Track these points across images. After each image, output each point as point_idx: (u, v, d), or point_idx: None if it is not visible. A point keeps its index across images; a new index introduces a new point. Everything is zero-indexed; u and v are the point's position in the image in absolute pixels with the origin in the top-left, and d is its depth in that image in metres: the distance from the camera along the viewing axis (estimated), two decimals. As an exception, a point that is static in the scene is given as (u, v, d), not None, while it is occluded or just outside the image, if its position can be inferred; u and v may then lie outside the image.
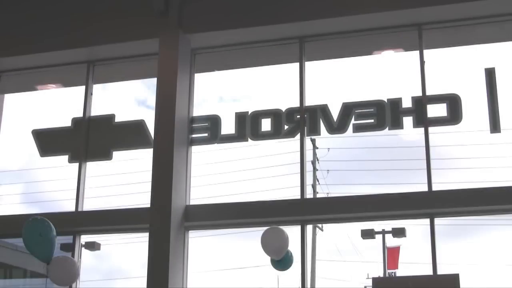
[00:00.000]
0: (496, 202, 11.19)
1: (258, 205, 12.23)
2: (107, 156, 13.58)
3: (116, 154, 13.59)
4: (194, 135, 13.11)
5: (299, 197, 12.26)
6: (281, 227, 11.04)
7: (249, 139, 12.85)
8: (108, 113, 13.89)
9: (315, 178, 16.41)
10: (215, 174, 13.05)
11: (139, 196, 12.93)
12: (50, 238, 10.13)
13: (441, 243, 11.44)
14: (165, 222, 11.92)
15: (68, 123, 14.00)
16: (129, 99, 14.62)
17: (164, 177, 12.21)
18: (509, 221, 11.82)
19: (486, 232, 12.27)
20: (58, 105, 14.52)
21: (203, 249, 13.10)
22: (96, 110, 14.02)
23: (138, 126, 13.53)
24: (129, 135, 13.57)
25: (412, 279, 8.56)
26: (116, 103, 14.28)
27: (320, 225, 15.62)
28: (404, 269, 13.94)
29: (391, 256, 16.26)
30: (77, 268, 10.88)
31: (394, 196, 11.66)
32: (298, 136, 12.61)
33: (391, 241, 15.58)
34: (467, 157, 12.04)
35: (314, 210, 12.17)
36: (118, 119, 13.79)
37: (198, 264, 12.81)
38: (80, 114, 13.88)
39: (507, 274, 11.60)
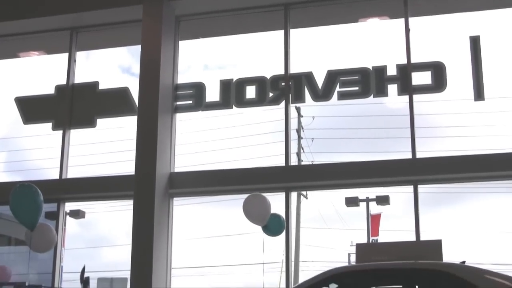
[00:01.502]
0: (479, 169, 11.26)
1: (242, 172, 12.24)
2: (91, 123, 13.52)
3: (100, 121, 13.53)
4: (178, 103, 13.06)
5: (283, 164, 12.23)
6: (263, 194, 11.01)
7: (233, 107, 12.81)
8: (92, 80, 13.79)
9: (299, 146, 16.41)
10: (199, 142, 13.04)
11: (123, 164, 12.90)
12: (38, 203, 10.09)
13: (424, 211, 11.51)
14: (149, 189, 11.93)
15: (51, 90, 13.92)
16: (113, 66, 14.53)
17: (149, 144, 12.19)
18: (491, 189, 11.90)
19: (468, 199, 12.35)
20: (41, 72, 14.40)
21: (189, 217, 13.11)
22: (80, 77, 13.94)
23: (122, 93, 13.45)
24: (113, 102, 13.51)
25: (396, 245, 8.57)
26: (100, 70, 14.19)
27: (304, 193, 15.64)
28: (387, 236, 14.03)
29: (374, 223, 16.34)
30: (54, 234, 10.83)
31: (378, 164, 11.70)
32: (283, 104, 12.56)
33: (375, 208, 15.64)
34: (451, 125, 12.07)
35: (298, 177, 12.18)
36: (102, 86, 13.72)
37: (184, 232, 12.82)
38: (64, 82, 13.81)
39: (489, 241, 11.71)
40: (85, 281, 10.74)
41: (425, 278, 7.83)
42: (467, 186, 11.98)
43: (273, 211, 10.99)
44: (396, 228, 13.22)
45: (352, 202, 14.11)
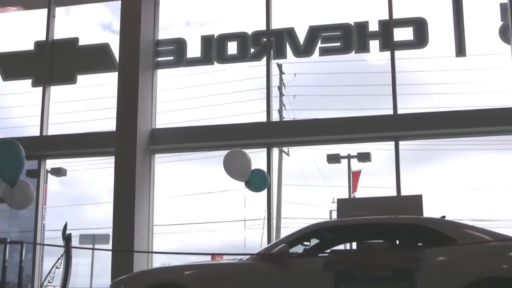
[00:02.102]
0: (459, 125, 11.30)
1: (224, 128, 12.19)
2: (71, 80, 13.38)
3: (80, 78, 13.38)
4: (159, 59, 12.94)
5: (265, 120, 12.18)
6: (245, 150, 10.97)
7: (215, 63, 12.69)
8: (72, 36, 13.59)
9: (281, 103, 16.38)
10: (181, 98, 12.94)
11: (104, 121, 12.80)
12: (20, 159, 10.00)
13: (405, 169, 11.53)
14: (131, 146, 11.87)
15: (30, 46, 13.72)
16: (93, 23, 14.35)
17: (130, 101, 12.10)
18: (471, 145, 11.94)
19: (449, 156, 12.39)
20: (20, 28, 14.18)
21: (171, 174, 13.08)
22: (60, 33, 13.73)
23: (102, 49, 13.30)
24: (93, 58, 13.36)
25: (376, 200, 8.58)
26: (80, 26, 13.98)
27: (286, 150, 15.65)
28: (369, 193, 14.08)
29: (355, 180, 16.43)
30: (32, 190, 10.76)
31: (360, 119, 11.68)
32: (264, 60, 12.45)
33: (356, 165, 15.69)
34: (432, 82, 12.07)
35: (280, 133, 12.14)
36: (82, 42, 13.53)
37: (166, 189, 12.80)
38: (43, 38, 13.60)
39: (469, 196, 11.79)
40: (67, 238, 10.73)
41: (405, 232, 7.86)
42: (448, 143, 12.03)
43: (255, 167, 10.97)
44: (377, 184, 13.28)
45: (333, 159, 14.14)
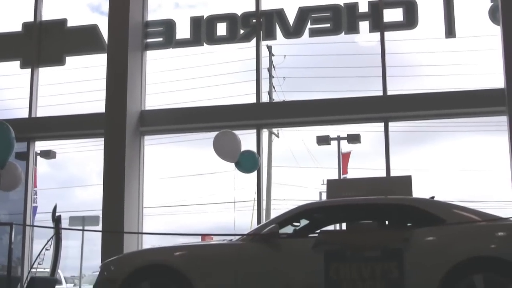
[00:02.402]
0: (449, 106, 11.29)
1: (214, 110, 12.15)
2: (60, 61, 13.28)
3: (69, 59, 13.28)
4: (148, 40, 12.87)
5: (255, 102, 12.15)
6: (234, 131, 10.95)
7: (204, 44, 12.62)
8: (60, 17, 13.48)
9: (271, 85, 16.35)
10: (170, 80, 12.89)
11: (94, 103, 12.75)
12: (10, 141, 9.94)
13: (395, 150, 11.55)
14: (120, 127, 11.83)
15: (18, 27, 13.60)
16: (82, 3, 14.25)
17: (119, 82, 12.05)
18: (461, 127, 11.96)
19: (438, 137, 12.43)
20: (7, 9, 14.05)
21: (161, 156, 13.06)
22: (48, 14, 13.61)
23: (91, 31, 13.21)
24: (82, 40, 13.25)
25: (366, 181, 8.60)
26: (68, 7, 13.86)
27: (276, 132, 15.65)
28: (358, 174, 14.11)
29: (345, 161, 16.46)
30: (20, 172, 10.72)
31: (349, 100, 11.66)
32: (254, 42, 12.39)
33: (346, 147, 15.72)
34: (422, 63, 12.06)
35: (269, 114, 12.11)
36: (70, 23, 13.42)
37: (156, 171, 12.78)
38: (31, 19, 13.48)
39: (458, 178, 11.85)
40: (56, 220, 10.72)
41: (394, 213, 7.89)
42: (437, 124, 12.05)
43: (245, 149, 10.95)
44: (367, 166, 13.31)
45: (323, 140, 14.13)
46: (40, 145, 13.64)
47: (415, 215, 7.69)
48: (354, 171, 16.00)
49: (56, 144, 13.88)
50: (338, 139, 16.07)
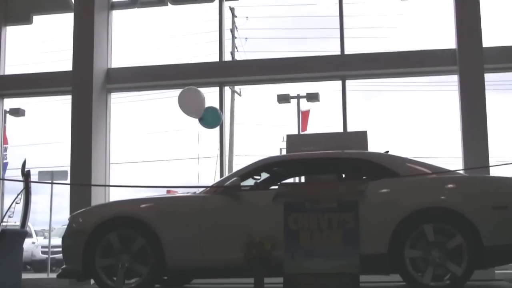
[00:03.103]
0: (403, 65, 11.30)
1: (178, 68, 12.00)
2: (27, 20, 12.96)
3: (36, 18, 12.98)
4: (114, 0, 12.60)
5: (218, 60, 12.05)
6: (197, 88, 10.86)
7: (168, 4, 12.38)
8: (27, -24, 13.16)
9: (233, 45, 16.28)
10: (136, 39, 12.74)
11: (62, 62, 12.52)
12: None
13: (352, 108, 11.56)
14: (87, 85, 11.67)
15: (-15, -13, 13.24)
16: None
17: (85, 41, 11.83)
18: (415, 86, 12.02)
19: (393, 95, 12.48)
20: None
21: (127, 114, 12.94)
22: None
23: (57, -11, 12.91)
24: (49, -1, 12.94)
25: (324, 136, 8.64)
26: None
27: (238, 91, 15.59)
28: (317, 131, 14.13)
29: (304, 119, 16.47)
30: None
31: (309, 59, 11.59)
32: (217, 3, 12.19)
33: (305, 105, 15.74)
34: (378, 25, 12.05)
35: (231, 72, 11.97)
36: (36, -18, 13.11)
37: (122, 128, 12.67)
38: (-2, -22, 13.13)
39: (412, 134, 11.97)
40: (26, 174, 10.61)
41: (351, 166, 7.95)
42: (392, 83, 12.08)
43: (208, 105, 10.90)
44: (325, 124, 13.36)
45: (283, 99, 14.14)
46: (9, 103, 13.43)
47: (370, 168, 7.76)
48: (313, 129, 16.06)
49: (25, 102, 13.70)
50: (298, 97, 16.05)
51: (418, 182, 7.47)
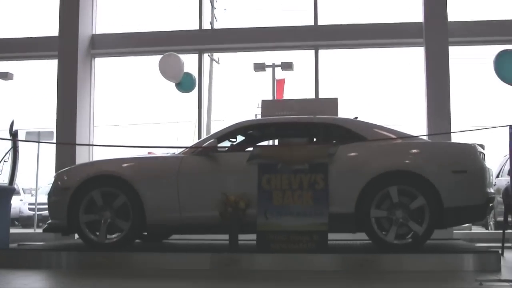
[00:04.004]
0: (372, 37, 11.23)
1: (159, 35, 11.79)
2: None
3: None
4: (98, -35, 12.37)
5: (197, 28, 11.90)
6: (176, 54, 10.74)
7: (152, -28, 12.20)
8: None
9: (212, 15, 16.10)
10: (120, 6, 12.54)
11: (50, 26, 12.29)
12: None
13: (323, 77, 11.51)
14: (72, 50, 11.48)
15: None
16: None
17: (71, 6, 11.58)
18: (382, 57, 12.01)
19: (363, 66, 12.45)
20: None
21: (110, 78, 12.79)
22: None
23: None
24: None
25: (297, 102, 8.61)
26: None
27: (216, 59, 15.48)
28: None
29: (279, 87, 16.43)
30: None
31: (284, 29, 11.45)
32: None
33: (280, 74, 15.69)
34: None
35: (210, 40, 11.82)
36: None
37: (106, 92, 12.54)
38: None
39: (381, 102, 12.00)
40: (13, 134, 10.53)
41: (321, 130, 7.94)
42: (363, 54, 12.05)
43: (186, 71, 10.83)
44: (299, 92, 13.34)
45: (259, 67, 14.10)
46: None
47: (339, 133, 7.76)
48: (287, 97, 16.05)
49: (13, 66, 13.49)
50: (273, 66, 15.97)
51: (384, 147, 7.50)
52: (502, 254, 8.13)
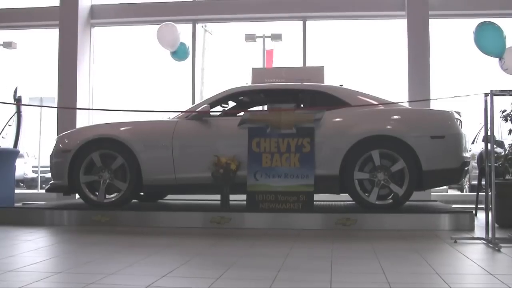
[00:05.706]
0: (357, 9, 11.12)
1: (156, 5, 11.64)
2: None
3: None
4: None
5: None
6: (173, 23, 10.62)
7: None
8: None
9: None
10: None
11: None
12: None
13: (311, 48, 11.41)
14: (72, 19, 11.32)
15: None
16: None
17: (70, -22, 11.41)
18: (367, 28, 11.90)
19: (349, 37, 12.34)
20: None
21: (109, 47, 12.63)
22: None
23: None
24: None
25: (286, 70, 8.54)
26: None
27: (210, 30, 15.30)
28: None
29: (269, 57, 16.30)
30: None
31: (274, 1, 11.26)
32: None
33: (269, 44, 15.55)
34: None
35: (204, 10, 11.66)
36: None
37: (105, 60, 12.41)
38: None
39: (363, 70, 11.93)
40: (18, 99, 10.50)
41: (308, 97, 7.90)
42: (348, 24, 11.93)
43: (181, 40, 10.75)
44: (288, 62, 13.23)
45: (250, 38, 13.96)
46: (1, 36, 13.03)
47: (325, 99, 7.71)
48: (277, 66, 15.90)
49: (17, 35, 13.29)
50: (263, 37, 15.81)
51: (367, 113, 7.46)
52: (476, 214, 8.20)
